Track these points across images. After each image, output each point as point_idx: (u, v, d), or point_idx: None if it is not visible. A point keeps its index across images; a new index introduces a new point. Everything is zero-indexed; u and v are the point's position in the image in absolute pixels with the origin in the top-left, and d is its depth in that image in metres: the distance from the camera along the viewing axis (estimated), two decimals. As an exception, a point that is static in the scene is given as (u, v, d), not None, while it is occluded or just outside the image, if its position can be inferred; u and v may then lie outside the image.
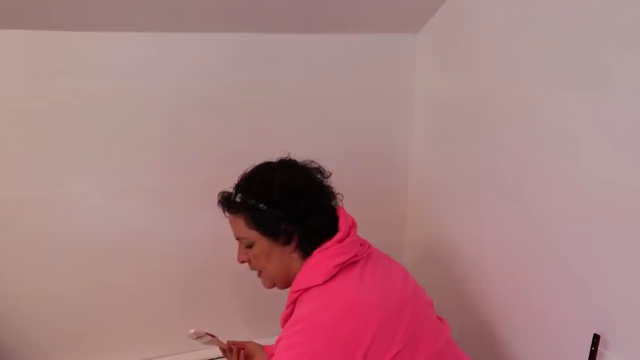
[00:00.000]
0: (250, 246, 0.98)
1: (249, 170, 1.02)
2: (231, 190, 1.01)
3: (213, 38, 1.31)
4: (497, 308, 1.27)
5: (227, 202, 1.00)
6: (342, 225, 0.96)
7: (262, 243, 0.96)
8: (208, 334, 1.12)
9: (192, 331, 1.10)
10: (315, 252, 0.94)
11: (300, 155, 1.49)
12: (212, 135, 1.39)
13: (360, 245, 0.97)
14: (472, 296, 1.35)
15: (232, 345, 1.17)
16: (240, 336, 1.59)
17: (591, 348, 0.96)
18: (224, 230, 1.47)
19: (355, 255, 0.93)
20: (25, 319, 1.37)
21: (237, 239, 1.01)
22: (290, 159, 1.03)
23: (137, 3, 1.14)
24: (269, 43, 1.36)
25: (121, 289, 1.43)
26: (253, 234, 0.96)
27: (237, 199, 0.97)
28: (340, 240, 0.93)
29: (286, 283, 1.00)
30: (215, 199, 1.43)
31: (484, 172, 1.26)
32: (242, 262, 1.03)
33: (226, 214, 1.01)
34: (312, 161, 1.02)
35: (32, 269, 1.33)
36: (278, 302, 1.65)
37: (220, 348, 1.18)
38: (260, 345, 1.22)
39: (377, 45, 1.48)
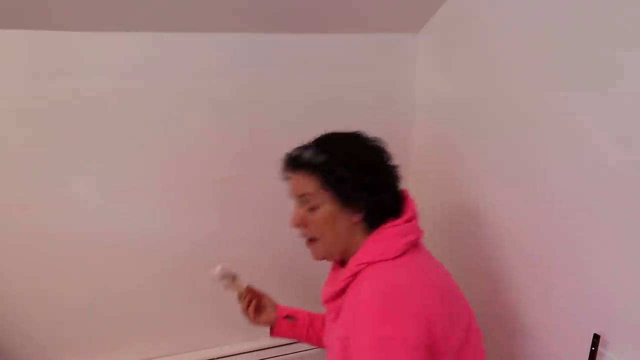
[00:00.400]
0: (315, 208, 0.95)
1: (324, 135, 0.99)
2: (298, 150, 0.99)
3: (213, 38, 1.31)
4: (496, 306, 1.26)
5: (300, 158, 0.96)
6: (412, 206, 0.97)
7: (330, 207, 0.93)
8: (233, 275, 1.12)
9: (220, 267, 1.09)
10: (382, 227, 0.93)
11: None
12: (211, 135, 1.39)
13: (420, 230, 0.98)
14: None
15: (248, 292, 1.17)
16: (241, 336, 1.60)
17: (591, 348, 0.96)
18: (224, 230, 1.48)
19: (419, 237, 0.95)
20: (25, 319, 1.37)
21: (301, 196, 0.96)
22: (360, 133, 1.00)
23: (137, 3, 1.14)
24: (269, 43, 1.36)
25: (121, 289, 1.43)
26: (325, 196, 0.93)
27: (319, 159, 0.94)
28: (409, 220, 0.94)
29: (342, 254, 0.98)
30: (215, 198, 1.45)
31: (484, 172, 1.26)
32: (297, 225, 0.98)
33: (294, 172, 0.98)
34: (380, 139, 1.01)
35: (32, 269, 1.33)
36: (277, 302, 1.66)
37: (238, 293, 1.17)
38: (274, 302, 1.22)
39: (377, 45, 1.48)
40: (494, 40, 1.19)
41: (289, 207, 1.53)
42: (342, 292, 0.94)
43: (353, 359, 0.82)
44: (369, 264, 0.89)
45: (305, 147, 0.98)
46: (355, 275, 0.91)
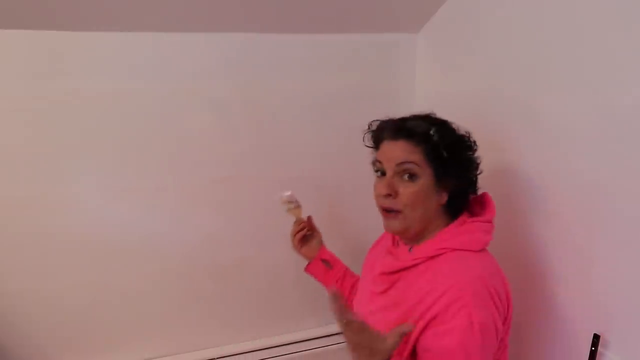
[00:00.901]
0: (413, 177, 0.93)
1: (423, 114, 1.00)
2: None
3: (213, 38, 1.31)
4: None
5: (409, 126, 0.96)
6: (493, 209, 0.98)
7: (427, 182, 0.93)
8: (297, 203, 1.24)
9: (289, 193, 1.20)
10: (464, 220, 0.95)
11: (299, 155, 1.50)
12: (211, 135, 1.39)
13: None
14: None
15: (305, 221, 1.26)
16: (240, 337, 1.60)
17: (591, 348, 0.96)
18: (224, 230, 1.48)
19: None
20: (25, 319, 1.37)
21: (402, 163, 0.94)
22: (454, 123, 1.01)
23: (137, 3, 1.14)
24: (269, 43, 1.36)
25: (121, 289, 1.43)
26: (425, 169, 0.93)
27: (430, 131, 0.94)
28: (489, 221, 0.96)
29: (418, 233, 0.97)
30: (215, 198, 1.45)
31: (484, 172, 1.26)
32: (387, 194, 0.95)
33: (397, 138, 0.95)
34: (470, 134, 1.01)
35: (32, 269, 1.33)
36: (278, 302, 1.66)
37: (296, 218, 1.25)
38: (321, 242, 1.29)
39: (377, 45, 1.48)
40: (493, 40, 1.19)
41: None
42: (408, 268, 0.95)
43: (433, 332, 0.84)
44: (453, 250, 0.91)
45: (407, 119, 0.99)
46: (432, 257, 0.92)
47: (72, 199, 1.32)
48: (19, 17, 1.11)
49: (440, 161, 0.92)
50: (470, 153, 0.98)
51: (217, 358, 1.55)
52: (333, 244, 1.63)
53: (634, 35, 0.83)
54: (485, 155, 1.25)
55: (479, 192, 1.02)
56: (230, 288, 1.55)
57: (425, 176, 0.92)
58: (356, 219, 1.65)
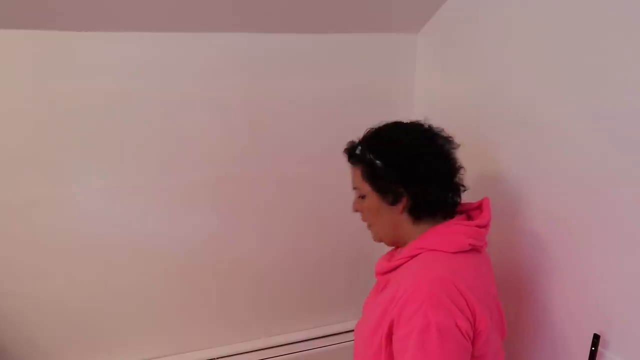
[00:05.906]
0: (363, 197, 1.01)
1: (378, 126, 1.03)
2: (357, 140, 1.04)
3: (213, 38, 1.31)
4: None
5: (349, 151, 1.03)
6: (487, 215, 0.99)
7: (372, 198, 0.98)
8: None
9: None
10: (450, 223, 0.96)
11: (299, 155, 1.50)
12: (212, 135, 1.39)
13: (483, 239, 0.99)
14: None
15: None
16: (240, 337, 1.60)
17: (591, 348, 0.96)
18: (224, 230, 1.48)
19: (482, 246, 0.98)
20: (25, 319, 1.37)
21: (354, 188, 1.04)
22: (420, 123, 1.03)
23: (137, 3, 1.14)
24: (269, 43, 1.36)
25: (121, 289, 1.43)
26: (366, 187, 0.99)
27: (358, 151, 1.00)
28: (479, 226, 0.96)
29: (393, 241, 1.03)
30: (215, 198, 1.45)
31: (484, 172, 1.26)
32: (355, 211, 1.06)
33: (350, 163, 1.04)
34: (442, 129, 1.02)
35: (32, 268, 1.33)
36: (278, 302, 1.66)
37: None
38: None
39: (377, 45, 1.48)
40: (493, 41, 1.19)
41: (289, 207, 1.54)
42: (396, 268, 0.98)
43: (398, 335, 0.84)
44: (429, 250, 0.92)
45: (359, 139, 1.03)
46: (413, 257, 0.94)
47: (72, 199, 1.32)
48: (19, 17, 1.11)
49: (374, 177, 0.96)
50: (414, 161, 0.95)
51: (217, 358, 1.55)
52: (332, 244, 1.64)
53: (632, 38, 0.83)
54: (483, 155, 1.26)
55: (463, 194, 1.03)
56: (230, 288, 1.55)
57: (370, 194, 0.98)
58: (356, 220, 1.65)
